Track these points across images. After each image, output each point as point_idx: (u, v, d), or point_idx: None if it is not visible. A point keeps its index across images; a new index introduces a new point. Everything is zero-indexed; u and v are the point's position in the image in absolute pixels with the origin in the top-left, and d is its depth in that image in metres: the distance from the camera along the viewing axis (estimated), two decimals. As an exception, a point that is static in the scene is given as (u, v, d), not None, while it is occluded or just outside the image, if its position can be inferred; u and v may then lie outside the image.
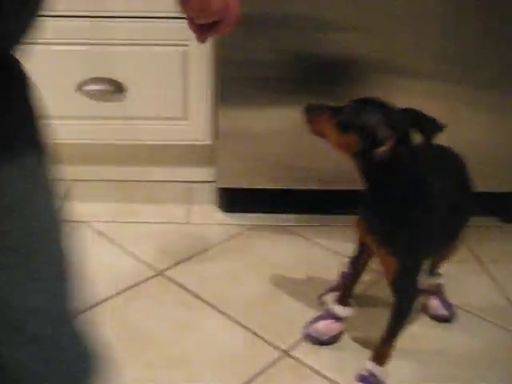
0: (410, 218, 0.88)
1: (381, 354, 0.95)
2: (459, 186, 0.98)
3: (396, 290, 0.93)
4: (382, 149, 0.81)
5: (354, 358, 1.01)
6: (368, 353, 0.99)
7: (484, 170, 1.38)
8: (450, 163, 1.01)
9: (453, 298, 1.15)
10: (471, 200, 1.02)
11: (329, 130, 0.88)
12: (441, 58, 1.31)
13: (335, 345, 1.05)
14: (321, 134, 0.90)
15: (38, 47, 1.39)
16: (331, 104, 0.91)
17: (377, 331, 1.06)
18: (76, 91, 1.44)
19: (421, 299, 1.15)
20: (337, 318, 1.05)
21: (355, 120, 0.85)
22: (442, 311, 1.12)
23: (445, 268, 1.14)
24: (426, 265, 1.13)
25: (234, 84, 1.33)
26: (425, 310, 1.14)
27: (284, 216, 1.48)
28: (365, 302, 1.15)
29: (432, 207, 0.89)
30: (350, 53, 1.30)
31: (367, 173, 0.87)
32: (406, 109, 0.86)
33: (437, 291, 1.13)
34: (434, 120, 0.85)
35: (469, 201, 1.01)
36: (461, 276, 1.26)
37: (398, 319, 0.95)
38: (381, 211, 0.90)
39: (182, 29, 1.38)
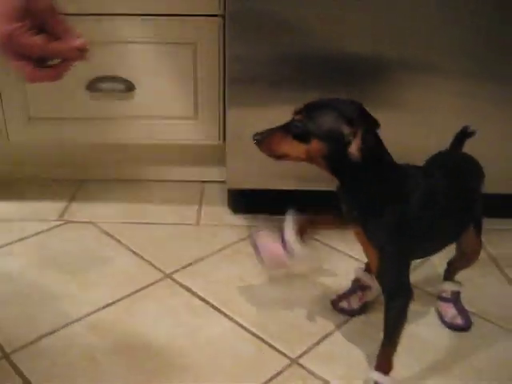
0: (385, 211, 0.85)
1: (383, 362, 0.92)
2: (458, 187, 0.94)
3: (383, 288, 0.91)
4: (353, 148, 0.80)
5: (365, 368, 0.97)
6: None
7: (506, 171, 1.35)
8: (456, 165, 0.98)
9: (469, 305, 1.11)
10: (473, 204, 0.98)
11: (287, 148, 0.86)
12: (460, 53, 1.27)
13: (346, 355, 1.01)
14: (282, 155, 0.87)
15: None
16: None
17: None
18: (85, 90, 1.42)
19: (436, 307, 1.12)
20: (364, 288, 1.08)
21: (312, 127, 0.83)
22: (459, 320, 1.08)
23: (461, 272, 1.10)
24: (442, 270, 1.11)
25: (243, 83, 1.30)
26: (440, 318, 1.10)
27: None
28: (380, 309, 1.12)
29: (412, 202, 0.86)
30: (364, 51, 1.27)
31: (338, 172, 0.85)
32: (352, 100, 0.85)
33: (453, 299, 1.09)
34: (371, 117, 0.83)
35: (470, 205, 0.98)
36: (478, 281, 1.22)
37: (391, 322, 0.91)
38: (357, 206, 0.87)
39: (191, 26, 1.36)
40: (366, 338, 1.05)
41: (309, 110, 0.84)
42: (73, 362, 0.98)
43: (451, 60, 1.27)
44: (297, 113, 0.86)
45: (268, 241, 0.99)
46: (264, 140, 0.87)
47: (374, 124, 0.83)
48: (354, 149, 0.80)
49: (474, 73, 1.28)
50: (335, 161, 0.83)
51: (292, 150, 0.85)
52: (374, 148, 0.82)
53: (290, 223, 0.98)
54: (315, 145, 0.83)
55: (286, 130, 0.85)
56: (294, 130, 0.84)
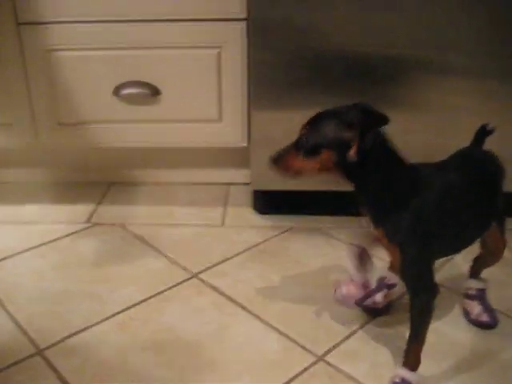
0: (401, 211, 0.87)
1: (410, 359, 0.92)
2: (476, 184, 0.94)
3: (407, 286, 0.92)
4: (352, 151, 0.83)
5: (390, 365, 0.98)
6: (405, 359, 0.97)
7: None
8: (474, 163, 0.98)
9: (495, 304, 1.11)
10: (493, 202, 0.98)
11: (302, 165, 0.89)
12: (479, 52, 1.27)
13: (371, 353, 1.02)
14: (299, 173, 0.90)
15: (75, 53, 1.42)
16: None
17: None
18: (113, 95, 1.45)
19: (462, 305, 1.12)
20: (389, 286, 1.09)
21: (316, 141, 0.86)
22: (485, 317, 1.08)
23: (486, 271, 1.10)
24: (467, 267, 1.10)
25: (267, 87, 1.32)
26: (466, 315, 1.10)
27: (319, 218, 1.46)
28: (404, 308, 1.12)
29: (427, 200, 0.88)
30: (383, 53, 1.28)
31: (352, 177, 0.88)
32: (355, 104, 0.87)
33: (479, 296, 1.09)
34: (378, 113, 0.85)
35: (490, 202, 0.97)
36: (502, 280, 1.21)
37: (417, 318, 0.92)
38: (375, 207, 0.90)
39: (215, 31, 1.39)
40: (390, 336, 1.06)
41: (312, 124, 0.88)
42: (104, 359, 1.00)
43: (470, 59, 1.27)
44: (303, 128, 0.89)
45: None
46: (279, 161, 0.90)
47: (379, 122, 0.84)
48: (351, 151, 0.83)
49: (494, 71, 1.28)
50: (347, 166, 0.86)
51: (306, 166, 0.88)
52: (376, 148, 0.84)
53: (350, 258, 1.06)
54: (325, 156, 0.86)
55: (297, 148, 0.89)
56: (304, 147, 0.87)
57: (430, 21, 1.25)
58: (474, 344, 1.05)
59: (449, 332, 1.07)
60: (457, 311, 1.12)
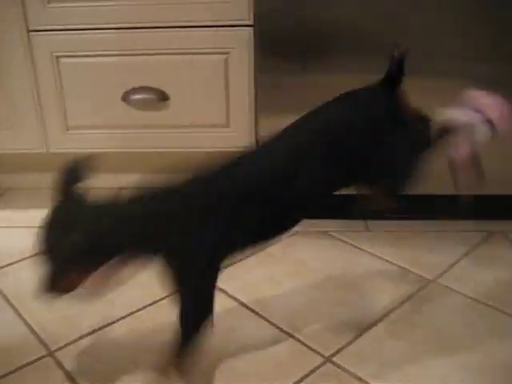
0: None
1: None
2: None
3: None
4: None
5: (398, 366, 0.99)
6: (411, 361, 0.98)
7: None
8: None
9: (502, 305, 1.12)
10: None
11: (80, 275, 0.87)
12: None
13: (378, 353, 1.03)
14: (81, 282, 0.88)
15: (84, 59, 1.44)
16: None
17: (420, 339, 1.04)
18: (121, 101, 1.47)
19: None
20: None
21: (75, 251, 0.83)
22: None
23: (492, 276, 1.11)
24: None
25: (273, 92, 1.34)
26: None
27: (325, 221, 1.47)
28: (410, 311, 1.13)
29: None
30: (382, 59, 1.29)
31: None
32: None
33: None
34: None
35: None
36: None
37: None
38: None
39: (222, 37, 1.41)
40: (397, 336, 1.06)
41: (52, 244, 0.84)
42: (114, 361, 1.01)
43: (462, 65, 1.29)
44: (47, 255, 0.84)
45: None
46: (61, 286, 0.87)
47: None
48: None
49: (485, 77, 1.29)
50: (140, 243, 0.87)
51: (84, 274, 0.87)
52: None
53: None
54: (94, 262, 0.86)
55: (63, 268, 0.85)
56: (69, 263, 0.84)
57: (423, 27, 1.27)
58: (473, 341, 1.05)
59: (445, 329, 1.08)
60: (457, 311, 1.13)
